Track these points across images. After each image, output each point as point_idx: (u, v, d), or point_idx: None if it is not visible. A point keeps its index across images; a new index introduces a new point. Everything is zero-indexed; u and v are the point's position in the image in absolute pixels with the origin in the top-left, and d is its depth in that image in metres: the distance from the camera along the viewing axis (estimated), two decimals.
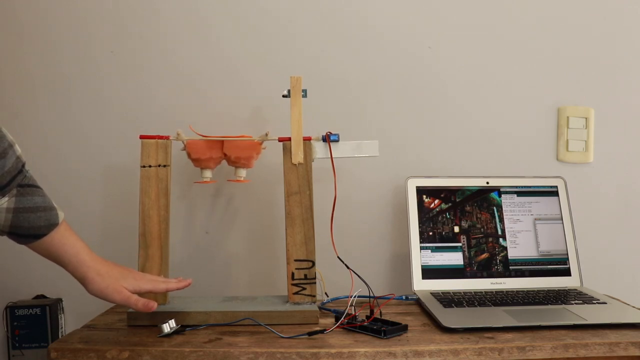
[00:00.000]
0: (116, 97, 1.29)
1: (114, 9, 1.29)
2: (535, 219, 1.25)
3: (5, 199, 0.82)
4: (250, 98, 1.30)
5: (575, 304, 1.08)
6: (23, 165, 0.85)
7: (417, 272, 1.19)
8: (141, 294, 0.93)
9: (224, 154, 1.11)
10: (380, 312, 0.99)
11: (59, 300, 1.27)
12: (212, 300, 1.10)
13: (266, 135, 1.11)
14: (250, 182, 1.14)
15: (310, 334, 0.95)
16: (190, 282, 1.00)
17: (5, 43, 1.28)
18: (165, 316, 0.98)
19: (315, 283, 1.08)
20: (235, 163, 1.12)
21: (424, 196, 1.23)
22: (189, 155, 1.11)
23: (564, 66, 1.35)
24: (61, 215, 0.87)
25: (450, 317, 1.00)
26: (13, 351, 1.21)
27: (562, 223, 1.25)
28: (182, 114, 1.25)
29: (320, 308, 1.08)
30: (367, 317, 0.98)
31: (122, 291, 0.90)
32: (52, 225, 0.86)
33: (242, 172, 1.13)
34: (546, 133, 1.36)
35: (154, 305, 0.92)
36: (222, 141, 1.11)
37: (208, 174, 1.13)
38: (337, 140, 1.10)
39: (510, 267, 1.22)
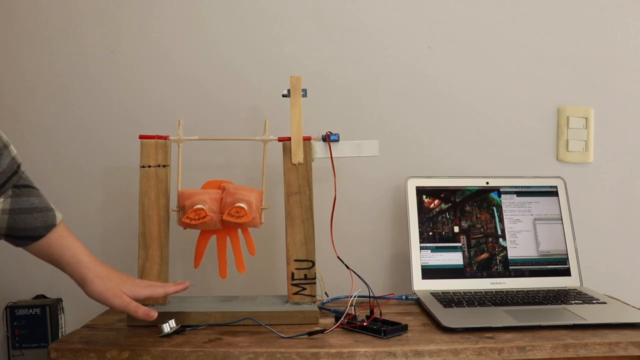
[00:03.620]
0: (116, 96, 1.29)
1: (114, 9, 1.29)
2: (535, 219, 1.25)
3: (1, 199, 0.81)
4: (250, 98, 1.30)
5: (575, 304, 1.08)
6: (18, 166, 0.84)
7: (417, 272, 1.19)
8: (140, 300, 0.92)
9: (222, 188, 1.06)
10: (380, 312, 0.99)
11: (59, 300, 1.27)
12: (212, 300, 1.10)
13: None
14: (251, 219, 1.03)
15: (310, 334, 0.95)
16: (188, 285, 0.99)
17: (4, 43, 1.28)
18: (165, 316, 0.98)
19: (315, 283, 1.08)
20: (234, 195, 1.04)
21: (424, 196, 1.23)
22: (181, 195, 1.05)
23: (564, 66, 1.35)
24: (59, 216, 0.87)
25: (450, 317, 1.00)
26: (13, 351, 1.21)
27: (562, 223, 1.25)
28: (182, 114, 1.25)
29: (320, 308, 1.08)
30: (367, 317, 0.98)
31: (121, 296, 0.89)
32: (50, 226, 0.85)
33: (242, 204, 1.03)
34: (546, 133, 1.36)
35: (154, 315, 0.91)
36: (220, 184, 1.08)
37: (200, 204, 1.03)
38: (337, 140, 1.10)
39: (510, 267, 1.22)
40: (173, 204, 1.08)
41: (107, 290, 0.88)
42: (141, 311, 0.90)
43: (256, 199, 1.05)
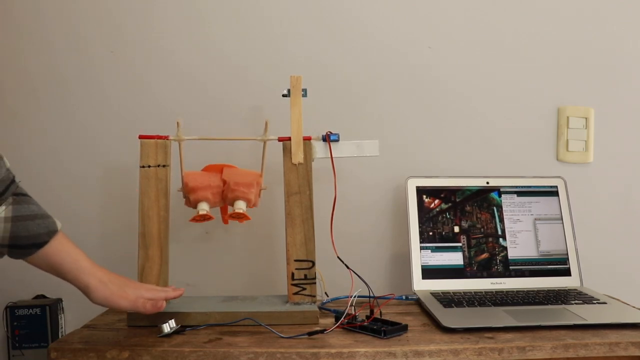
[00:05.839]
0: (116, 97, 1.29)
1: (114, 9, 1.29)
2: (535, 219, 1.25)
3: (2, 207, 0.80)
4: (250, 98, 1.30)
5: (575, 304, 1.08)
6: (14, 177, 0.84)
7: (417, 272, 1.19)
8: None
9: (223, 180, 1.08)
10: (380, 312, 0.99)
11: (59, 300, 1.27)
12: (212, 300, 1.10)
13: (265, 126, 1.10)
14: (251, 219, 1.08)
15: (310, 334, 0.95)
16: (183, 291, 1.00)
17: (4, 42, 1.28)
18: (165, 316, 0.98)
19: (315, 283, 1.08)
20: (234, 192, 1.07)
21: (424, 196, 1.23)
22: (185, 186, 1.08)
23: (564, 66, 1.35)
24: (58, 223, 0.86)
25: (450, 317, 1.00)
26: (13, 351, 1.21)
27: (562, 223, 1.25)
28: (182, 114, 1.25)
29: (320, 308, 1.08)
30: (367, 317, 0.98)
31: (127, 297, 0.90)
32: (52, 232, 0.84)
33: (242, 204, 1.07)
34: (546, 133, 1.36)
35: (163, 304, 0.92)
36: (222, 169, 1.10)
37: (204, 206, 1.07)
38: (337, 140, 1.10)
39: (510, 267, 1.22)
40: (173, 204, 1.08)
41: (112, 294, 0.89)
42: (150, 304, 0.91)
43: (255, 191, 1.09)
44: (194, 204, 1.08)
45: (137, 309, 0.90)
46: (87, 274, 0.87)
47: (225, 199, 1.09)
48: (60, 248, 0.86)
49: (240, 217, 1.07)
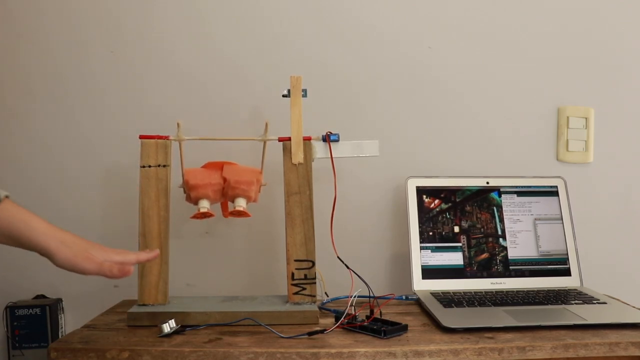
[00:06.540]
0: (116, 97, 1.29)
1: (114, 9, 1.29)
2: (535, 219, 1.25)
3: None
4: (250, 98, 1.30)
5: (575, 304, 1.08)
6: None
7: (417, 272, 1.19)
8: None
9: (223, 178, 1.08)
10: (380, 312, 0.99)
11: (59, 300, 1.27)
12: (212, 300, 1.10)
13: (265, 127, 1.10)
14: (251, 216, 1.09)
15: (310, 334, 0.95)
16: (157, 253, 0.95)
17: (4, 43, 1.28)
18: (165, 316, 0.98)
19: (315, 283, 1.08)
20: (235, 189, 1.08)
21: (424, 196, 1.23)
22: (186, 184, 1.08)
23: (564, 66, 1.35)
24: (2, 192, 0.82)
25: (450, 317, 1.00)
26: (13, 351, 1.21)
27: (562, 223, 1.25)
28: (182, 114, 1.25)
29: (320, 308, 1.08)
30: (367, 317, 0.98)
31: (93, 259, 0.84)
32: None
33: (242, 202, 1.08)
34: (546, 133, 1.36)
35: (130, 270, 0.86)
36: (222, 166, 1.10)
37: (205, 203, 1.07)
38: (337, 140, 1.10)
39: (510, 267, 1.22)
40: (173, 204, 1.08)
41: (75, 255, 0.83)
42: (116, 269, 0.85)
43: (255, 188, 1.09)
44: (194, 201, 1.09)
45: (103, 273, 0.84)
46: (43, 234, 0.82)
47: (225, 195, 1.09)
48: (7, 213, 0.81)
49: (240, 214, 1.08)
